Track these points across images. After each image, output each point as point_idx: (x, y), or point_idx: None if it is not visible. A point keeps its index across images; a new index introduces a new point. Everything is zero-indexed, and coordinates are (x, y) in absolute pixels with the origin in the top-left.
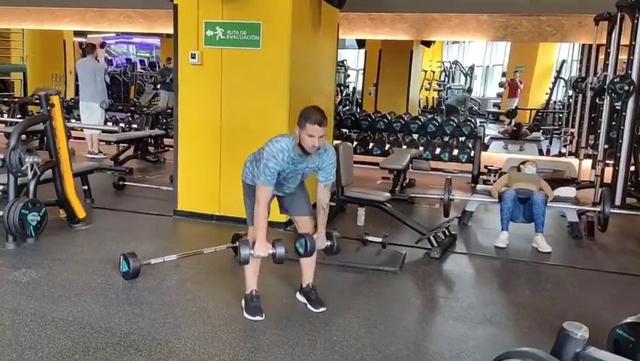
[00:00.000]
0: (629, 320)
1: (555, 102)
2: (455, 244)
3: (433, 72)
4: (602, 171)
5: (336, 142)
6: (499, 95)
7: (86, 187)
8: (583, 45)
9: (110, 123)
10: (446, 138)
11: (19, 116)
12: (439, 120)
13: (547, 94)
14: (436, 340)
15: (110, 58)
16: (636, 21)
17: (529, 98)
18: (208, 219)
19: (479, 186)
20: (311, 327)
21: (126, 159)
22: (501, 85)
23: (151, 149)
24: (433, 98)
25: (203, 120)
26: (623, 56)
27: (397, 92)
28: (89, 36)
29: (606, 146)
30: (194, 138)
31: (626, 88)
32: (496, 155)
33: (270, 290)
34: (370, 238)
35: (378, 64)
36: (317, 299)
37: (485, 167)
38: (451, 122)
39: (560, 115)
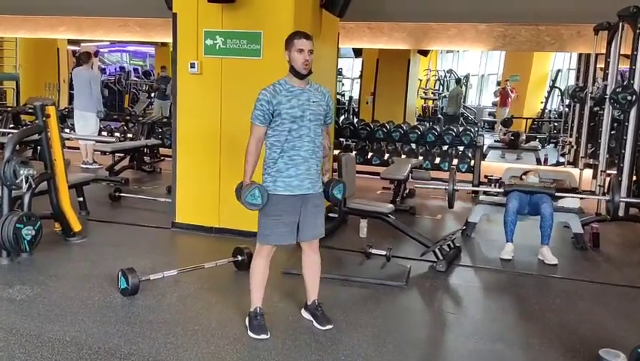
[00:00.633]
0: None
1: (550, 111)
2: (460, 256)
3: (428, 80)
4: (605, 181)
5: (336, 152)
6: (495, 104)
7: (81, 199)
8: (580, 54)
9: (104, 133)
10: (445, 147)
11: (11, 126)
12: (438, 130)
13: (542, 103)
14: (448, 359)
15: (103, 66)
16: (638, 30)
17: (524, 107)
18: (207, 232)
19: (482, 197)
20: (318, 346)
21: (122, 170)
22: (495, 94)
23: (146, 159)
24: (430, 107)
25: (202, 130)
26: (622, 66)
27: (395, 100)
28: (82, 44)
29: (607, 155)
30: (193, 149)
31: (629, 98)
32: (494, 164)
33: (275, 307)
34: (374, 251)
35: (375, 73)
36: (323, 316)
37: (486, 177)
38: (451, 132)
39: (556, 124)
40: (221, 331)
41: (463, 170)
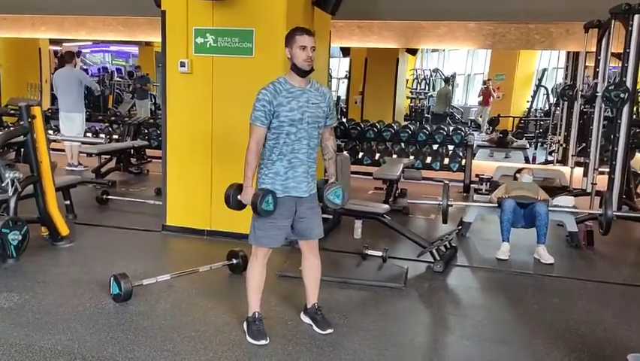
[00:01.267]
0: None
1: (536, 110)
2: (456, 256)
3: (415, 79)
4: (595, 178)
5: None
6: (481, 104)
7: (68, 202)
8: (568, 53)
9: (89, 134)
10: (435, 147)
11: None
12: (429, 129)
13: (528, 102)
14: None
15: (85, 67)
16: (630, 28)
17: (511, 106)
18: (199, 235)
19: (477, 196)
20: (319, 351)
21: (108, 172)
22: (479, 94)
23: (133, 160)
24: (417, 106)
25: (193, 131)
26: (610, 64)
27: (384, 100)
28: (64, 44)
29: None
30: (184, 150)
31: (622, 96)
32: (483, 163)
33: (272, 311)
34: (370, 252)
35: (364, 72)
36: (323, 320)
37: (477, 176)
38: (442, 131)
39: (542, 123)
40: (219, 337)
41: (454, 169)
